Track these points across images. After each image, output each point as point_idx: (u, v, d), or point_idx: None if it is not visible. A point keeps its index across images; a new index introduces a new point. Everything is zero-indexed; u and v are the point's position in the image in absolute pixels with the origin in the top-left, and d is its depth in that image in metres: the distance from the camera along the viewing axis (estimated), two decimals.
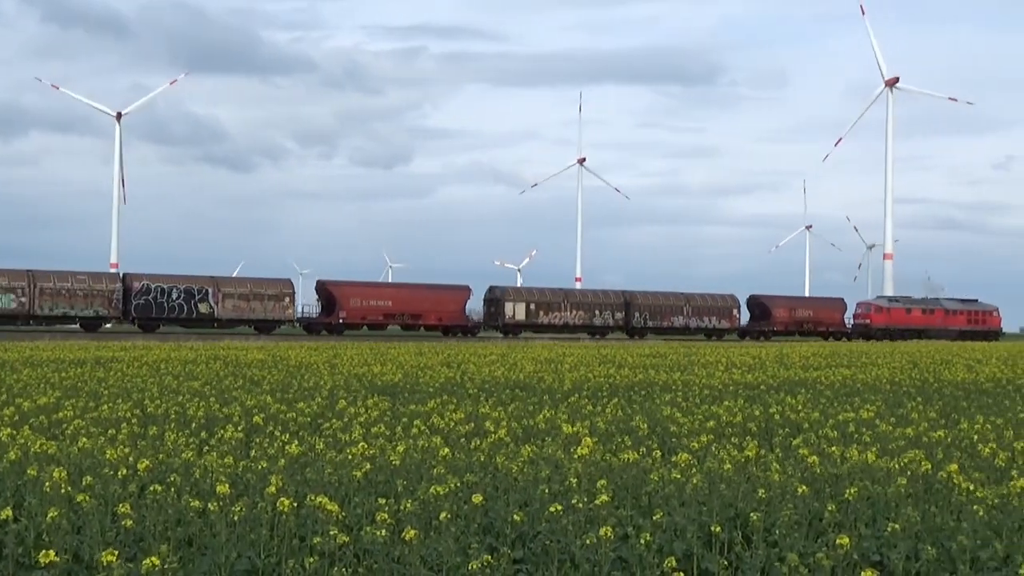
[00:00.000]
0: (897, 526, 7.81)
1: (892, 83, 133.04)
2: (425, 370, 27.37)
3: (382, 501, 8.42)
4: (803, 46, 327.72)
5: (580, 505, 8.16)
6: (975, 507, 8.19)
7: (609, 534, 7.36)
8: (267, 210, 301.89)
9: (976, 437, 13.09)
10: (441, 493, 8.45)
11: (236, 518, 7.80)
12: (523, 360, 34.27)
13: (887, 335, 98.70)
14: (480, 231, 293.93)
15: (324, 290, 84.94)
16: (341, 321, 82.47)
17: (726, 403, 18.06)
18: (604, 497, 8.17)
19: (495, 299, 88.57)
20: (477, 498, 8.27)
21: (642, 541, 7.44)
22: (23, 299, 73.77)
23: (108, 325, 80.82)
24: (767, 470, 10.15)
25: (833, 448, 11.60)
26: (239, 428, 13.00)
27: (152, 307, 77.78)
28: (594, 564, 7.49)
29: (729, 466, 9.91)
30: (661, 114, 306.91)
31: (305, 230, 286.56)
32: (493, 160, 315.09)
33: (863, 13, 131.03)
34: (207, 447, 12.09)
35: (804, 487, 8.79)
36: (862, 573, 6.43)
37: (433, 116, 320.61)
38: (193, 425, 14.06)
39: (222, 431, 12.47)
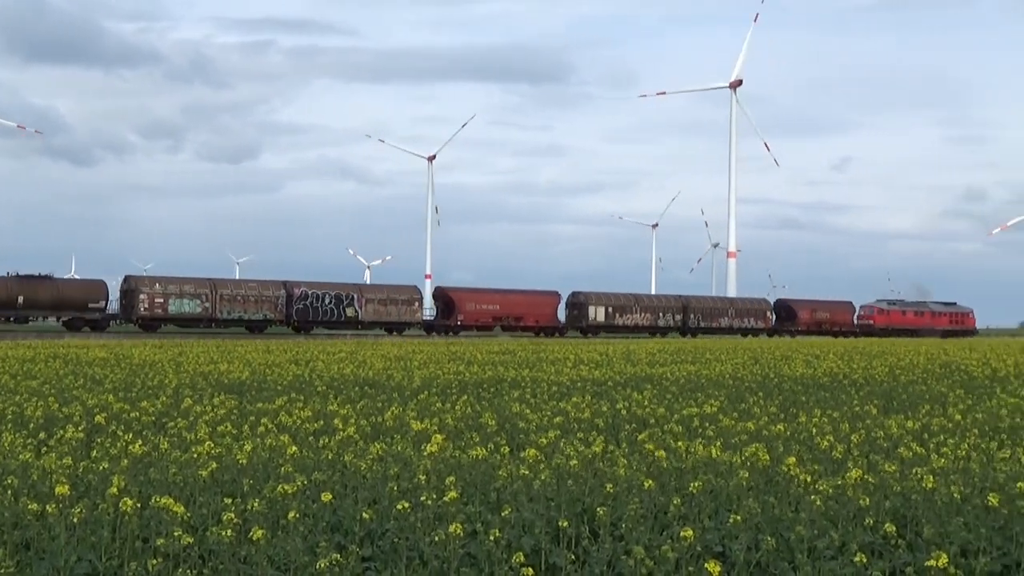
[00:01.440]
0: (739, 518, 7.99)
1: (736, 85, 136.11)
2: (273, 368, 27.02)
3: (228, 501, 8.30)
4: (652, 47, 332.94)
5: (429, 502, 8.15)
6: (813, 498, 8.43)
7: (458, 530, 7.37)
8: (108, 205, 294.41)
9: (814, 430, 13.47)
10: (289, 492, 8.36)
11: (76, 520, 7.60)
12: (372, 357, 34.10)
13: (887, 333, 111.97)
14: (329, 227, 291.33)
15: (444, 295, 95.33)
16: (459, 323, 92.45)
17: (574, 399, 18.23)
18: (453, 494, 8.18)
19: (579, 303, 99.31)
20: (326, 496, 8.20)
21: (490, 537, 7.47)
22: (207, 304, 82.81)
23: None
24: (614, 465, 10.29)
25: (678, 443, 11.81)
26: (80, 428, 12.65)
27: (308, 311, 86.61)
28: (443, 561, 7.50)
29: (576, 461, 10.01)
30: (511, 112, 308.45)
31: (148, 225, 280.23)
32: (342, 156, 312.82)
33: (755, 20, 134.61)
34: (46, 448, 11.75)
35: (650, 481, 8.93)
36: (705, 565, 6.57)
37: (282, 111, 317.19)
38: (31, 426, 13.63)
39: (62, 431, 12.13)
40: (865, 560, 7.16)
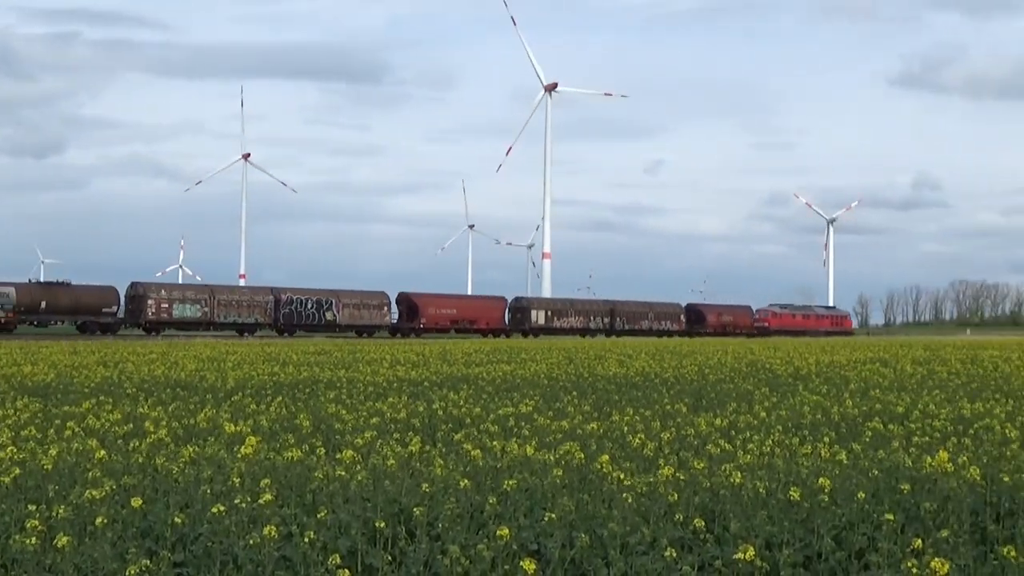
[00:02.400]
0: (553, 516, 8.09)
1: (551, 88, 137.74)
2: (80, 369, 26.20)
3: (32, 507, 8.02)
4: (470, 48, 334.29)
5: (243, 505, 8.02)
6: (625, 495, 8.59)
7: (273, 533, 7.28)
8: None
9: (626, 429, 13.73)
10: (97, 497, 8.12)
11: None
12: (184, 358, 33.36)
13: (779, 333, 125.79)
14: (140, 226, 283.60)
15: (407, 300, 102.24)
16: (422, 326, 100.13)
17: (390, 399, 18.19)
18: (268, 496, 8.07)
19: (522, 308, 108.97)
20: (136, 501, 8.00)
21: (306, 539, 7.40)
22: (206, 309, 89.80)
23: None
24: (430, 465, 10.30)
25: (494, 442, 11.89)
26: None
27: (293, 316, 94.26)
28: (257, 564, 7.39)
29: (393, 462, 10.00)
30: (327, 111, 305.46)
31: None
32: (154, 153, 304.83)
33: (514, 23, 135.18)
34: None
35: (466, 481, 8.97)
36: (521, 563, 6.63)
37: (89, 105, 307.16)
38: None
39: None
40: (675, 555, 7.33)
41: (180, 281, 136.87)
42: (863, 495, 8.65)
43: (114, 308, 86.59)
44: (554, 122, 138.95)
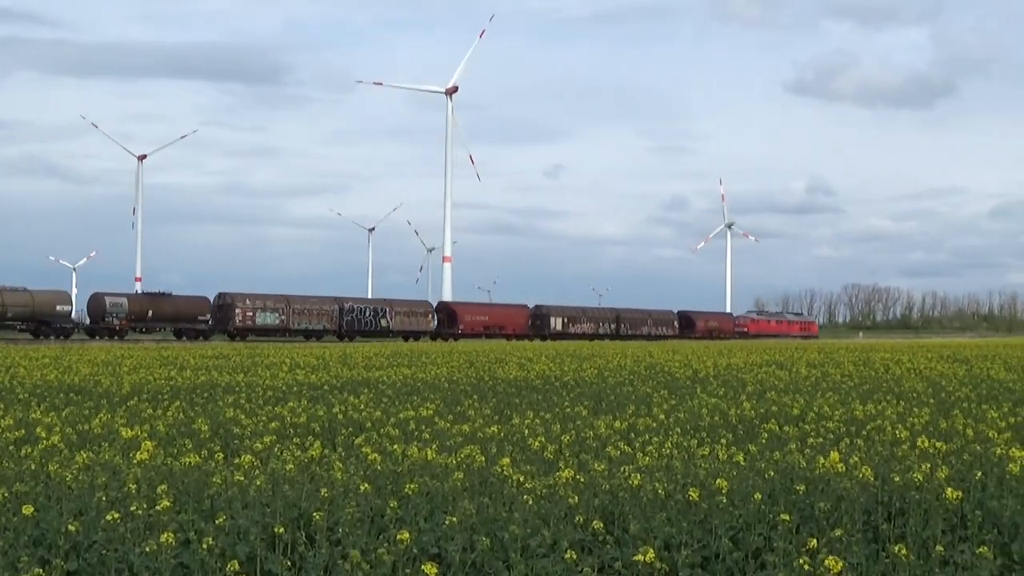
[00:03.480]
0: (454, 519, 8.09)
1: (451, 92, 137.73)
2: None
3: None
4: (369, 50, 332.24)
5: (139, 512, 7.90)
6: (525, 498, 8.62)
7: (170, 540, 7.18)
8: None
9: (527, 431, 13.78)
10: None
11: None
12: (79, 363, 32.73)
13: (757, 336, 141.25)
14: (31, 227, 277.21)
15: (447, 308, 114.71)
16: (460, 331, 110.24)
17: (290, 404, 18.05)
18: (165, 502, 7.96)
19: (542, 315, 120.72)
20: (27, 509, 7.83)
21: (204, 545, 7.31)
22: (283, 317, 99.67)
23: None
24: (330, 469, 10.24)
25: (395, 446, 11.86)
26: None
27: (355, 322, 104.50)
28: (154, 572, 7.28)
29: (293, 467, 9.92)
30: (224, 112, 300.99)
31: None
32: (46, 153, 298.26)
33: (481, 36, 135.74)
34: None
35: (367, 485, 8.93)
36: (422, 567, 6.62)
37: None
38: None
39: None
40: (575, 557, 7.37)
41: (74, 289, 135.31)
42: (759, 496, 8.78)
43: (207, 316, 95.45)
44: (454, 125, 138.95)
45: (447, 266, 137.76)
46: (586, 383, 25.09)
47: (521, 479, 9.36)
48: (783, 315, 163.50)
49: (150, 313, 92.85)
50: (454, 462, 10.60)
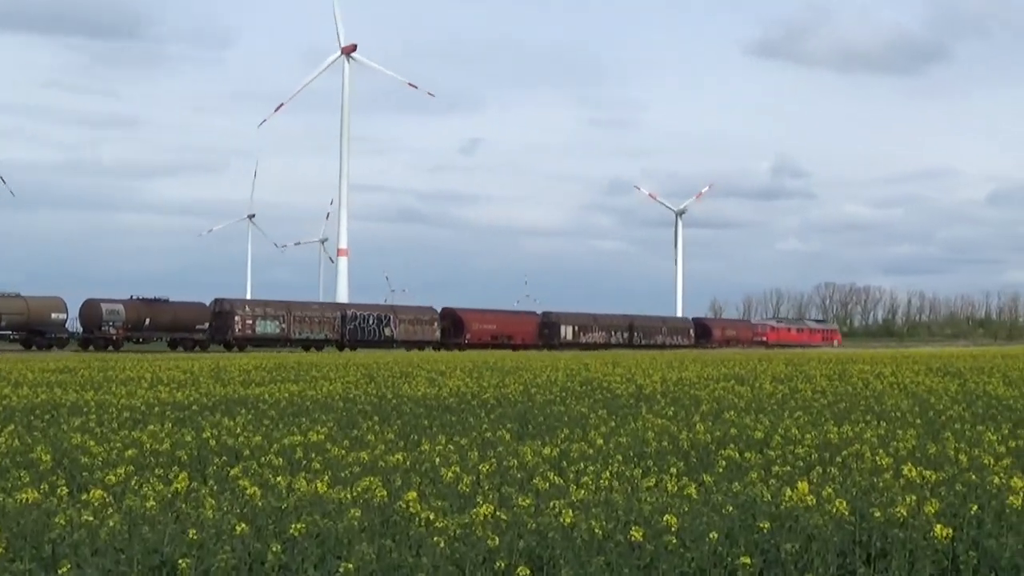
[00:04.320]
0: (350, 565, 8.07)
1: (349, 51, 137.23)
2: None
3: None
4: (250, 1, 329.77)
5: None
6: (436, 539, 8.62)
7: None
8: None
9: (438, 460, 13.78)
10: None
11: None
12: None
13: (777, 346, 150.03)
14: None
15: (452, 315, 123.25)
16: (467, 341, 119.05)
17: (151, 427, 17.89)
18: None
19: (551, 323, 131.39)
20: None
21: None
22: (284, 325, 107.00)
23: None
24: (200, 506, 10.16)
25: (278, 478, 11.80)
26: None
27: (358, 331, 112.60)
28: None
29: (154, 503, 9.83)
30: (67, 72, 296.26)
31: None
32: None
33: None
34: None
35: (244, 525, 8.88)
36: None
37: None
38: None
39: None
40: None
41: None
42: (715, 535, 8.85)
43: (206, 324, 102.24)
44: (353, 91, 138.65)
45: (342, 260, 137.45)
46: (509, 402, 25.13)
47: (431, 517, 9.36)
48: (803, 322, 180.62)
49: (147, 321, 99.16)
50: (350, 497, 10.56)
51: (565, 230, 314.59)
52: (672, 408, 22.76)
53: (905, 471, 11.48)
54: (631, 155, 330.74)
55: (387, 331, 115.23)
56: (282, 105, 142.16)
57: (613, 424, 19.16)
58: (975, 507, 10.20)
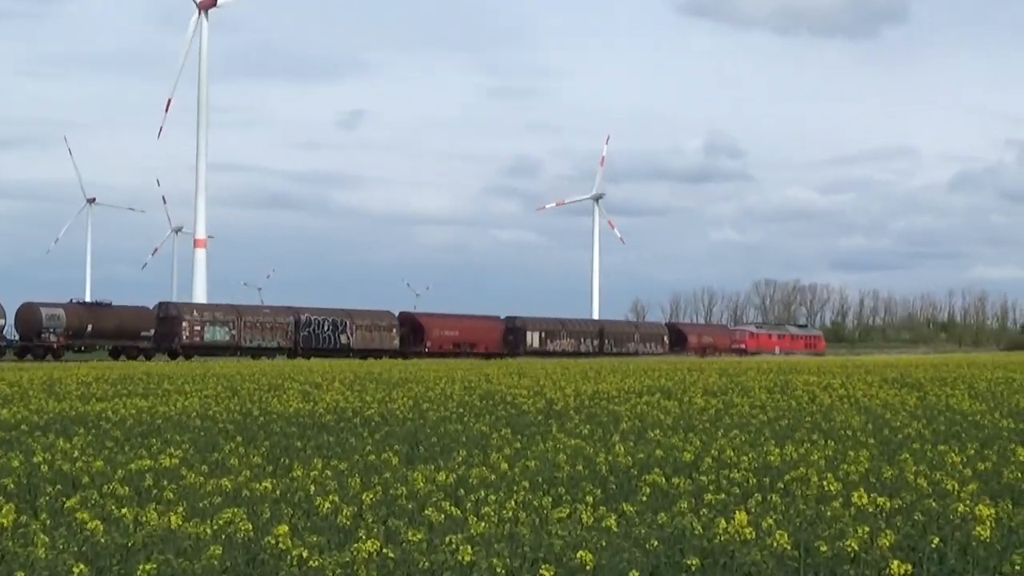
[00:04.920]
0: None
1: (208, 5, 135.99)
2: None
3: None
4: None
5: None
6: None
7: None
8: None
9: (313, 488, 13.73)
10: None
11: None
12: None
13: (757, 354, 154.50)
14: None
15: (411, 321, 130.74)
16: (427, 350, 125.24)
17: None
18: None
19: (517, 328, 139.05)
20: None
21: None
22: (234, 332, 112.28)
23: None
24: (30, 544, 10.06)
25: (123, 509, 11.70)
26: None
27: (312, 338, 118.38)
28: None
29: None
30: None
31: None
32: None
33: None
34: None
35: (83, 566, 8.81)
36: None
37: None
38: None
39: None
40: None
41: None
42: (637, 574, 8.90)
43: (151, 331, 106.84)
44: (213, 53, 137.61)
45: (200, 253, 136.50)
46: (397, 419, 25.10)
47: (304, 555, 9.33)
48: (785, 328, 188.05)
49: (90, 327, 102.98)
50: (209, 531, 10.51)
51: (462, 218, 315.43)
52: (588, 426, 22.86)
53: (856, 498, 11.62)
54: (540, 131, 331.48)
55: (343, 338, 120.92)
56: (169, 103, 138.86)
57: (519, 445, 19.19)
58: (936, 539, 10.34)
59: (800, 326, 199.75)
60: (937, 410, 26.73)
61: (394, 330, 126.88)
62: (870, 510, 11.34)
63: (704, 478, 14.69)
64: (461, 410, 27.62)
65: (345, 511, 11.68)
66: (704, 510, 12.16)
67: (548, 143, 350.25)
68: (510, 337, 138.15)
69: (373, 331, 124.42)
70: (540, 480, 15.23)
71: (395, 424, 24.01)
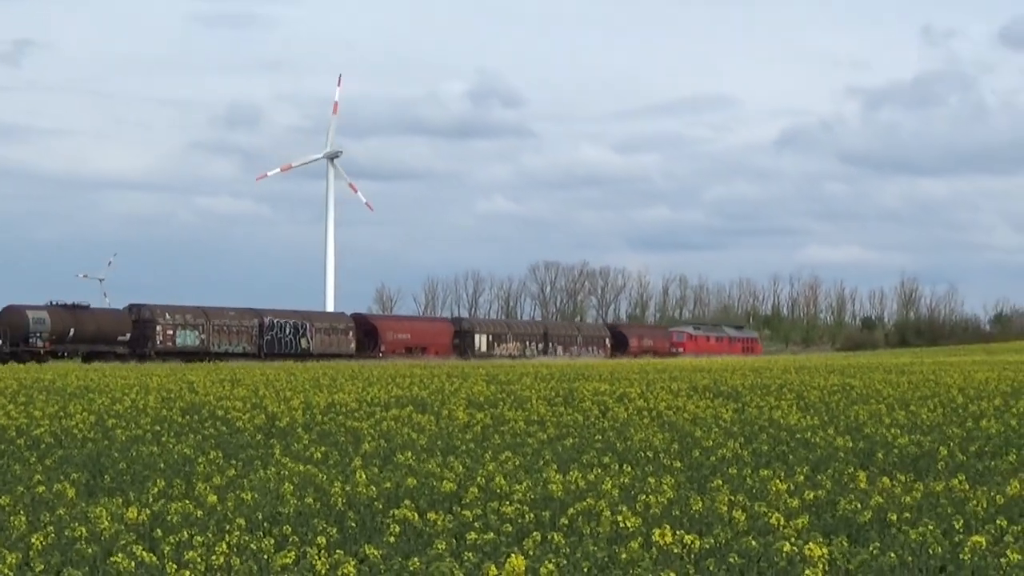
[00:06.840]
0: None
1: None
2: None
3: None
4: None
5: None
6: None
7: None
8: None
9: None
10: None
11: None
12: None
13: (696, 357, 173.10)
14: None
15: (364, 323, 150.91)
16: (382, 353, 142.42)
17: None
18: None
19: (465, 331, 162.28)
20: None
21: None
22: (203, 336, 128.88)
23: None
24: None
25: None
26: None
27: (275, 342, 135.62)
28: None
29: None
30: None
31: None
32: None
33: None
34: None
35: None
36: None
37: None
38: None
39: None
40: None
41: None
42: None
43: (128, 335, 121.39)
44: None
45: None
46: (73, 439, 24.86)
47: None
48: (723, 330, 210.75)
49: (72, 332, 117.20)
50: None
51: (160, 182, 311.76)
52: (320, 448, 22.88)
53: (658, 536, 11.83)
54: (262, 69, 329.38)
55: (303, 342, 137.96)
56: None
57: (232, 473, 19.17)
58: None
59: (737, 327, 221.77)
60: (758, 426, 27.28)
61: (350, 333, 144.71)
62: (675, 551, 11.54)
63: (468, 513, 14.80)
64: (158, 428, 27.46)
65: (9, 558, 11.56)
66: (468, 553, 12.28)
67: (271, 84, 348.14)
68: (458, 340, 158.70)
69: (331, 335, 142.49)
70: (259, 517, 15.23)
71: (72, 446, 23.77)
